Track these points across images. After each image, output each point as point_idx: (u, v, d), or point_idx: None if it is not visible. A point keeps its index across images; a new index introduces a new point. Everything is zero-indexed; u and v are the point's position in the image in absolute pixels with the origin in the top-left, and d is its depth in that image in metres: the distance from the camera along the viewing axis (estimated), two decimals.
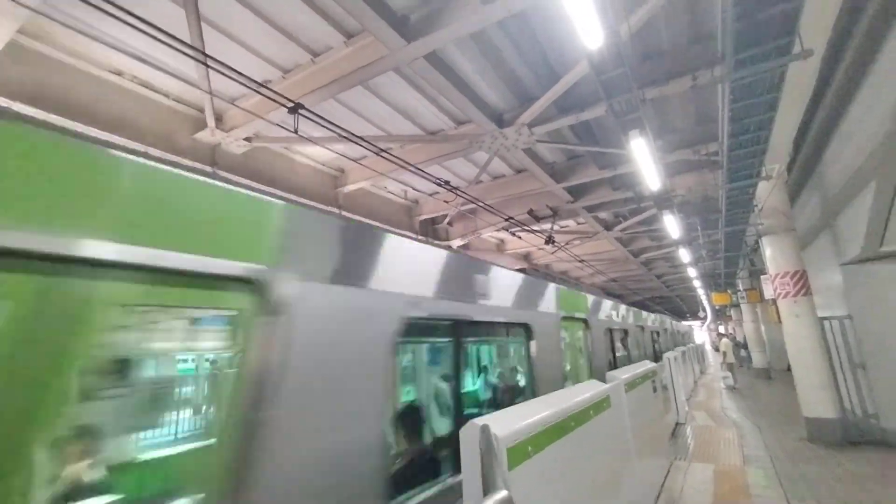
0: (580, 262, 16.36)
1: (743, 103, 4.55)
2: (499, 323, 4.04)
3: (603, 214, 12.38)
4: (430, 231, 12.11)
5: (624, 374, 4.11)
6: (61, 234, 1.32)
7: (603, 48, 3.86)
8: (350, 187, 9.06)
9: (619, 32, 3.75)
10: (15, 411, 1.24)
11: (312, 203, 7.67)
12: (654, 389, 5.37)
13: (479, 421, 1.82)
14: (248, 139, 6.88)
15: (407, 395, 4.74)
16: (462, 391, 4.39)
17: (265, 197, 1.96)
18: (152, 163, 1.58)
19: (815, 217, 8.54)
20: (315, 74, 5.74)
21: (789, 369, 7.96)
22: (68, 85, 5.23)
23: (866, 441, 6.55)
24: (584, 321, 6.47)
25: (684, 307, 41.62)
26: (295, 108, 5.17)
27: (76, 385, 1.39)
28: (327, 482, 1.94)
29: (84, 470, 1.80)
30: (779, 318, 7.82)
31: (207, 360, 3.08)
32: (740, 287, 19.09)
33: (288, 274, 1.94)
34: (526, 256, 16.22)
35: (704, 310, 36.89)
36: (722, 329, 39.63)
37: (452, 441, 3.01)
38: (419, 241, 3.13)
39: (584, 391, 3.04)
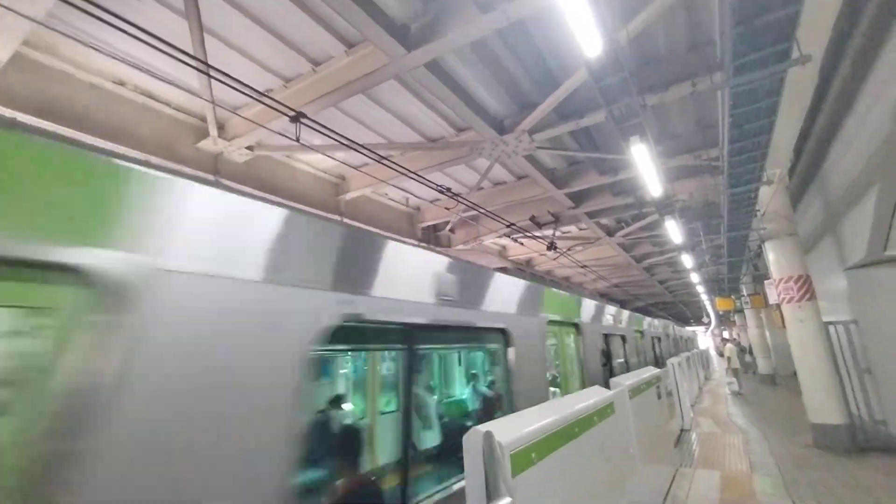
0: (582, 267, 16.34)
1: (743, 109, 4.55)
2: (467, 328, 3.57)
3: (605, 220, 12.37)
4: (433, 238, 12.12)
5: (628, 380, 4.09)
6: None
7: (601, 55, 3.89)
8: (351, 194, 9.09)
9: (617, 39, 3.78)
10: None
11: (314, 210, 7.69)
12: (659, 395, 5.32)
13: (483, 427, 1.81)
14: (250, 148, 6.92)
15: (331, 422, 3.97)
16: (420, 408, 3.91)
17: (100, 156, 1.48)
18: None
19: (818, 221, 8.51)
20: (316, 83, 5.79)
21: (795, 375, 7.89)
22: (71, 95, 5.29)
23: (874, 447, 6.47)
24: (575, 325, 6.10)
25: (688, 312, 41.41)
26: (296, 117, 5.20)
27: None
28: None
29: None
30: (783, 323, 7.76)
31: None
32: (744, 292, 18.97)
33: (139, 260, 1.50)
34: (528, 262, 16.21)
35: (708, 315, 36.70)
36: (726, 334, 39.41)
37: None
38: (358, 228, 2.62)
39: (588, 397, 3.02)
